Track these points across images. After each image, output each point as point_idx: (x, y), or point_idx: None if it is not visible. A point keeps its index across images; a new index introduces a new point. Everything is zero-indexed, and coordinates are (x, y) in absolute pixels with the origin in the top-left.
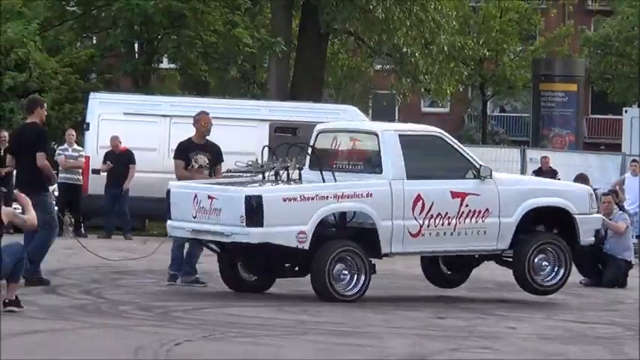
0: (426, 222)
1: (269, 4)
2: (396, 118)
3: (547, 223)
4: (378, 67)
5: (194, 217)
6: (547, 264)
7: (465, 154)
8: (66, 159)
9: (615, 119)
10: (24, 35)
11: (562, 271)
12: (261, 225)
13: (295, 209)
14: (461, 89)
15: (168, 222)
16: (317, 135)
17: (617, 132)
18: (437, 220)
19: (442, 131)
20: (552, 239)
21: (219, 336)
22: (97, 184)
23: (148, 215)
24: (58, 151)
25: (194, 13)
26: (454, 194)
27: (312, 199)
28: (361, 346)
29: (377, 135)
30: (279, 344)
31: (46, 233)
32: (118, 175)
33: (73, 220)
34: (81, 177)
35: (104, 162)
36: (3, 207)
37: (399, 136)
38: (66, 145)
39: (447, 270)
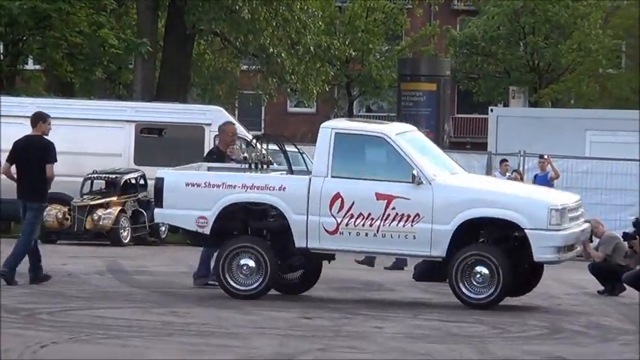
0: (345, 221)
1: (135, 4)
2: (262, 118)
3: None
4: (245, 67)
5: None
6: (479, 277)
7: (407, 158)
8: None
9: (481, 118)
10: None
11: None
12: (161, 206)
13: (199, 195)
14: (327, 89)
15: None
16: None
17: (483, 131)
18: (357, 220)
19: (387, 133)
20: (483, 251)
21: (86, 338)
22: None
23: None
24: None
25: (59, 14)
26: (379, 196)
27: (219, 186)
28: (227, 347)
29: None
30: (145, 345)
31: (27, 238)
32: None
33: None
34: None
35: None
36: None
37: (336, 134)
38: None
39: None
